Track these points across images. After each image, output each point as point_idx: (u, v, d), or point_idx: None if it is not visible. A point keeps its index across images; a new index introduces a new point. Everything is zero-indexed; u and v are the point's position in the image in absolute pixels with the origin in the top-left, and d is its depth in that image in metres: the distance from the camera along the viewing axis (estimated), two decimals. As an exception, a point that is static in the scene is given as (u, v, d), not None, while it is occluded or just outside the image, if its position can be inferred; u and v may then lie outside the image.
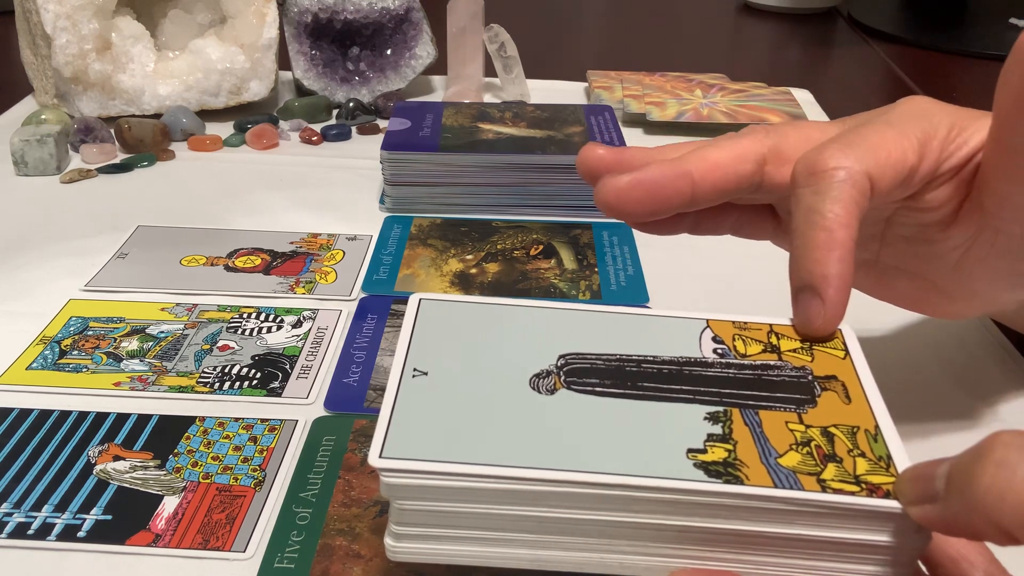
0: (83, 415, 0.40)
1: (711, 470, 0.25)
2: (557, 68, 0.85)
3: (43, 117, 0.66)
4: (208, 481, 0.37)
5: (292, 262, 0.53)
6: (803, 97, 0.77)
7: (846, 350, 0.30)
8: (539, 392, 0.28)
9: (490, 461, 0.25)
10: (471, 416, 0.27)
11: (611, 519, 0.25)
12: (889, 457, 0.26)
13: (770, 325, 0.31)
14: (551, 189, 0.58)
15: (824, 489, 0.25)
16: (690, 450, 0.26)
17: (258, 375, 0.43)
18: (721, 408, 0.28)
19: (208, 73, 0.69)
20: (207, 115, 0.70)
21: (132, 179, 0.63)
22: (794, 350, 0.30)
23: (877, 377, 0.29)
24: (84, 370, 0.43)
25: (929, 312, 0.39)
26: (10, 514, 0.35)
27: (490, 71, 0.77)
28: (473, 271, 0.52)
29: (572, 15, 1.11)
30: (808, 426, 0.27)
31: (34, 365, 0.43)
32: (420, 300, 0.32)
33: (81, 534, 0.34)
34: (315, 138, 0.68)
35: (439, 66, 0.76)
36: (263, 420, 0.40)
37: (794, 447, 0.26)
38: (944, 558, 0.27)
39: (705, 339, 0.30)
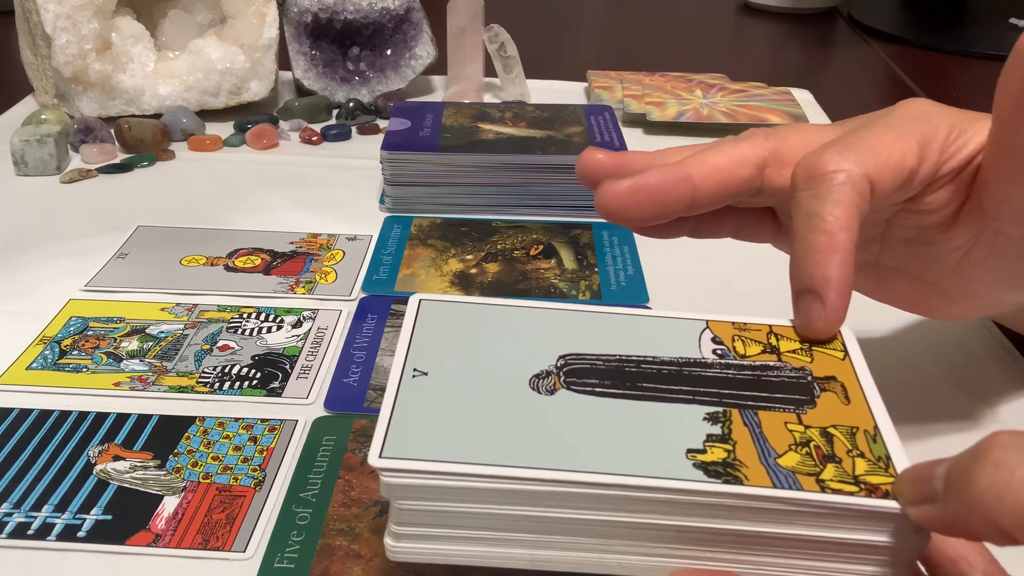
0: (83, 415, 0.40)
1: (710, 470, 0.25)
2: (557, 68, 0.85)
3: (43, 117, 0.67)
4: (208, 481, 0.37)
5: (292, 262, 0.53)
6: (803, 97, 0.77)
7: (845, 351, 0.30)
8: (539, 392, 0.28)
9: (490, 461, 0.25)
10: (471, 416, 0.27)
11: (610, 519, 0.25)
12: (888, 457, 0.26)
13: (769, 326, 0.31)
14: (551, 189, 0.58)
15: (823, 489, 0.25)
16: (689, 450, 0.26)
17: (258, 375, 0.43)
18: (720, 408, 0.28)
19: (208, 73, 0.69)
20: (207, 115, 0.70)
21: (132, 179, 0.63)
22: (793, 351, 0.30)
23: (877, 378, 0.29)
24: (84, 370, 0.43)
25: (929, 314, 0.39)
26: (10, 514, 0.35)
27: (490, 71, 0.77)
28: (473, 271, 0.52)
29: (572, 15, 1.11)
30: (807, 427, 0.27)
31: (34, 365, 0.43)
32: (420, 301, 0.32)
33: (81, 534, 0.34)
34: (315, 138, 0.69)
35: (439, 66, 0.76)
36: (263, 420, 0.40)
37: (793, 447, 0.26)
38: (943, 558, 0.27)
39: (705, 340, 0.31)
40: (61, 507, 0.35)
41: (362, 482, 0.37)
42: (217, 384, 0.42)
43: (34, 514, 0.35)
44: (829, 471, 0.25)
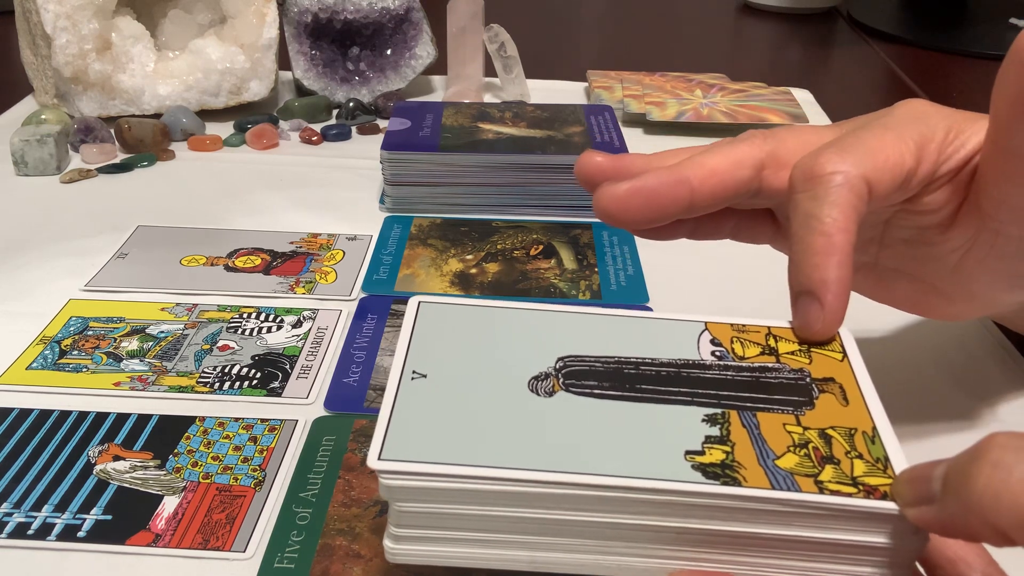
0: (83, 415, 0.40)
1: (709, 472, 0.25)
2: (557, 68, 0.85)
3: (43, 117, 0.67)
4: (208, 481, 0.37)
5: (292, 262, 0.53)
6: (803, 97, 0.77)
7: (844, 352, 0.30)
8: (538, 394, 0.28)
9: (489, 463, 0.25)
10: (470, 418, 0.27)
11: (609, 520, 0.25)
12: (886, 459, 0.26)
13: (768, 327, 0.31)
14: (551, 189, 0.58)
15: (821, 490, 0.25)
16: (688, 452, 0.26)
17: (258, 375, 0.43)
18: (719, 410, 0.28)
19: (208, 73, 0.69)
20: (207, 115, 0.70)
21: (132, 179, 0.63)
22: (792, 352, 0.30)
23: (877, 378, 0.29)
24: (84, 370, 0.43)
25: (929, 314, 0.39)
26: (10, 514, 0.35)
27: (490, 71, 0.77)
28: (473, 271, 0.52)
29: (572, 15, 1.11)
30: (806, 428, 0.27)
31: (34, 365, 0.43)
32: (419, 303, 0.32)
33: (81, 534, 0.34)
34: (315, 138, 0.69)
35: (439, 66, 0.76)
36: (263, 420, 0.40)
37: (792, 449, 0.26)
38: (942, 559, 0.27)
39: (703, 341, 0.31)
40: (61, 507, 0.35)
41: (362, 482, 0.37)
42: (217, 384, 0.42)
43: (34, 514, 0.35)
44: (827, 472, 0.25)
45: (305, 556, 0.33)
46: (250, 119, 0.70)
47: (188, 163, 0.65)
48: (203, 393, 0.42)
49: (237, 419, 0.40)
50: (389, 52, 0.75)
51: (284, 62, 0.73)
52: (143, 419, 0.40)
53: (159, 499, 0.36)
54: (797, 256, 0.30)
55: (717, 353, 0.30)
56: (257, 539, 0.34)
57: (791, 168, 0.32)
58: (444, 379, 0.28)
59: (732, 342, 0.31)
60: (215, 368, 0.43)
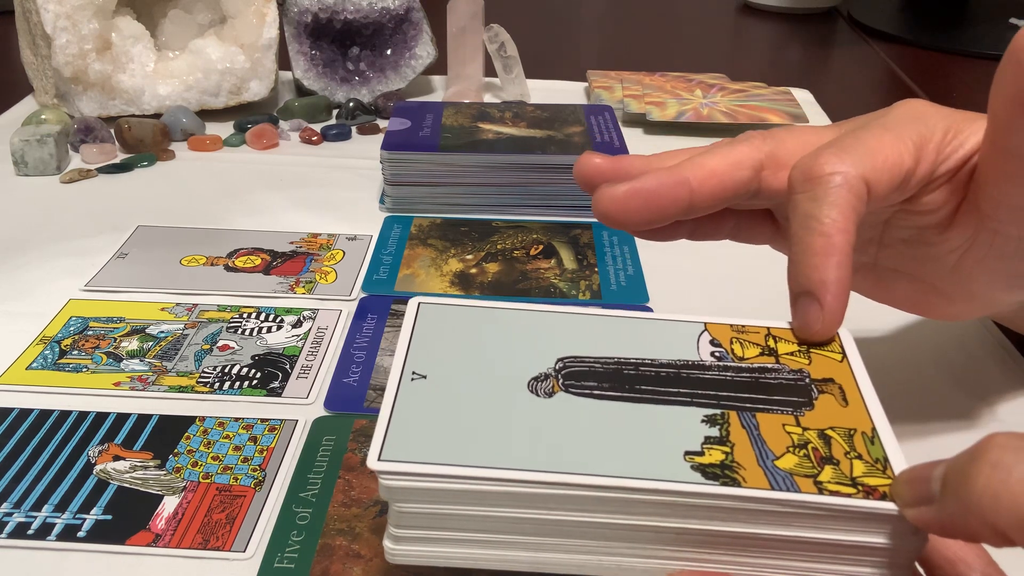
0: (83, 415, 0.40)
1: (708, 472, 0.25)
2: (557, 68, 0.85)
3: (43, 117, 0.67)
4: (208, 481, 0.37)
5: (292, 262, 0.53)
6: (803, 97, 0.77)
7: (843, 353, 0.30)
8: (537, 395, 0.28)
9: (488, 464, 0.25)
10: (470, 419, 0.27)
11: (609, 521, 0.25)
12: (886, 459, 0.26)
13: (767, 328, 0.31)
14: (551, 189, 0.58)
15: (821, 491, 0.25)
16: (687, 452, 0.26)
17: (258, 375, 0.43)
18: (718, 411, 0.28)
19: (208, 73, 0.69)
20: (207, 115, 0.70)
21: (132, 179, 0.63)
22: (791, 353, 0.30)
23: (877, 378, 0.29)
24: (84, 370, 0.43)
25: (928, 314, 0.39)
26: (10, 514, 0.35)
27: (490, 71, 0.77)
28: (473, 271, 0.52)
29: (572, 15, 1.11)
30: (805, 428, 0.27)
31: (34, 365, 0.43)
32: (419, 304, 0.32)
33: (81, 534, 0.34)
34: (315, 138, 0.69)
35: (439, 66, 0.76)
36: (263, 420, 0.40)
37: (791, 449, 0.26)
38: (941, 560, 0.27)
39: (703, 342, 0.31)
40: (61, 507, 0.35)
41: (362, 482, 0.37)
42: (217, 384, 0.42)
43: (34, 514, 0.35)
44: (827, 473, 0.25)
45: (305, 556, 0.33)
46: (250, 119, 0.70)
47: (188, 163, 0.65)
48: (203, 393, 0.42)
49: (237, 419, 0.40)
50: (389, 52, 0.75)
51: (284, 62, 0.73)
52: (143, 419, 0.40)
53: (159, 499, 0.36)
54: (796, 257, 0.30)
55: (717, 354, 0.30)
56: (257, 539, 0.34)
57: (790, 169, 0.32)
58: (444, 380, 0.28)
59: (731, 343, 0.31)
60: (215, 368, 0.43)
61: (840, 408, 0.28)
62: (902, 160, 0.32)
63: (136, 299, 0.49)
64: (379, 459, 0.25)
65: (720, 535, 0.25)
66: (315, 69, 0.74)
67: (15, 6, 0.71)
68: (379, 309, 0.48)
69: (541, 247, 0.54)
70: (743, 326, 0.31)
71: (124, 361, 0.44)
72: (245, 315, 0.48)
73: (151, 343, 0.45)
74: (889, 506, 0.25)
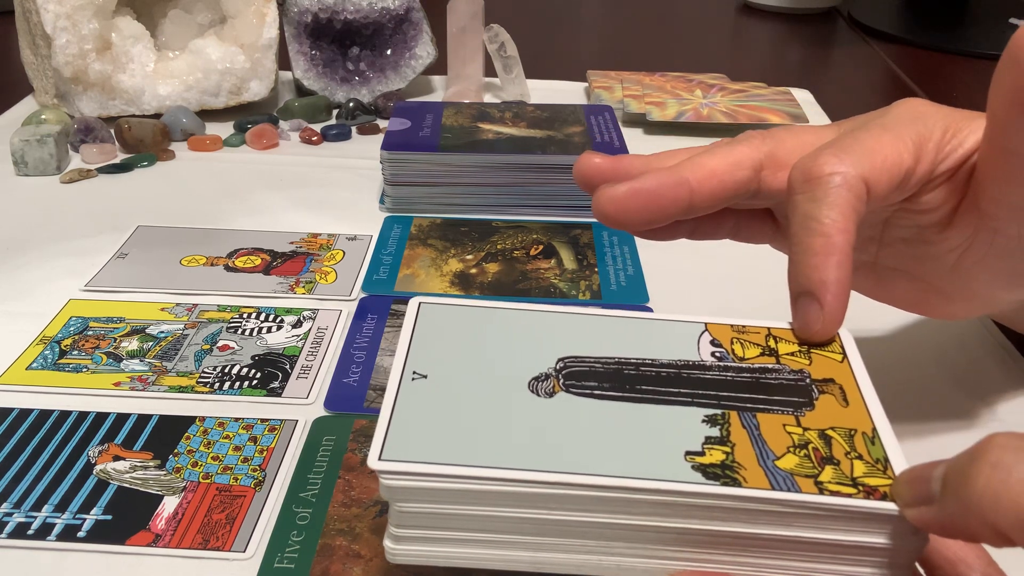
0: (83, 415, 0.40)
1: (709, 472, 0.25)
2: (557, 68, 0.85)
3: (43, 117, 0.67)
4: (208, 481, 0.37)
5: (292, 262, 0.53)
6: (803, 97, 0.77)
7: (844, 353, 0.30)
8: (538, 395, 0.28)
9: (489, 463, 0.25)
10: (470, 419, 0.27)
11: (609, 521, 0.25)
12: (886, 459, 0.26)
13: (768, 328, 0.31)
14: (551, 189, 0.58)
15: (821, 491, 0.25)
16: (688, 453, 0.26)
17: (258, 375, 0.43)
18: (719, 411, 0.28)
19: (208, 73, 0.69)
20: (207, 115, 0.70)
21: (132, 179, 0.63)
22: (792, 353, 0.30)
23: (877, 378, 0.29)
24: (84, 370, 0.43)
25: (929, 313, 0.39)
26: (10, 514, 0.35)
27: (490, 71, 0.77)
28: (473, 271, 0.52)
29: (572, 15, 1.11)
30: (806, 429, 0.27)
31: (34, 365, 0.43)
32: (420, 304, 0.32)
33: (81, 534, 0.34)
34: (315, 138, 0.69)
35: (439, 66, 0.76)
36: (263, 420, 0.40)
37: (791, 449, 0.26)
38: (942, 560, 0.27)
39: (703, 342, 0.31)
40: (61, 507, 0.35)
41: (362, 482, 0.37)
42: (217, 384, 0.42)
43: (34, 514, 0.35)
44: (827, 473, 0.25)
45: (305, 556, 0.33)
46: (250, 119, 0.70)
47: (188, 163, 0.65)
48: (203, 393, 0.42)
49: (237, 419, 0.40)
50: (389, 52, 0.75)
51: (284, 62, 0.73)
52: (143, 419, 0.40)
53: (159, 499, 0.36)
54: (796, 257, 0.30)
55: (717, 354, 0.30)
56: (257, 539, 0.34)
57: (789, 169, 0.32)
58: (444, 380, 0.28)
59: (732, 343, 0.31)
60: (215, 368, 0.43)
61: (840, 408, 0.28)
62: (901, 159, 0.32)
63: (136, 299, 0.49)
64: (380, 459, 0.25)
65: (721, 535, 0.25)
66: (315, 69, 0.74)
67: (15, 6, 0.71)
68: (379, 309, 0.48)
69: (541, 247, 0.54)
70: (743, 326, 0.31)
71: (124, 361, 0.44)
72: (245, 315, 0.48)
73: (151, 343, 0.45)
74: (889, 506, 0.25)
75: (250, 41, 0.70)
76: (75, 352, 0.44)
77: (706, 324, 0.31)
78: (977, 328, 0.47)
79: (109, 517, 0.35)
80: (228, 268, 0.52)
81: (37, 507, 0.35)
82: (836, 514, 0.25)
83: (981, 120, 0.32)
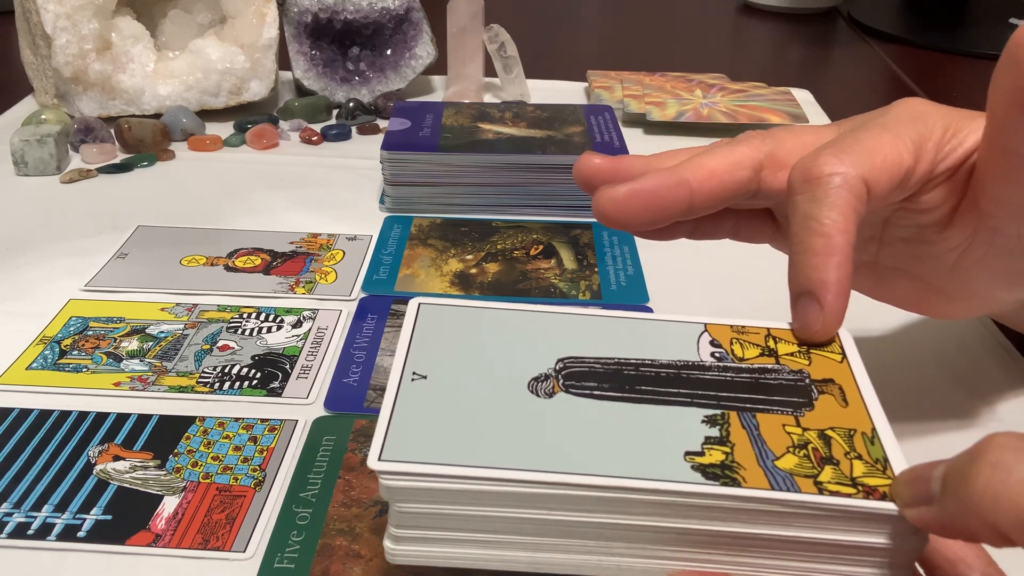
0: (83, 415, 0.40)
1: (708, 472, 0.25)
2: (557, 68, 0.85)
3: (43, 117, 0.67)
4: (208, 481, 0.37)
5: (292, 262, 0.53)
6: (803, 97, 0.77)
7: (843, 353, 0.30)
8: (537, 395, 0.28)
9: (489, 464, 0.25)
10: (470, 419, 0.27)
11: (609, 521, 0.25)
12: (886, 460, 0.26)
13: (768, 329, 0.31)
14: (551, 189, 0.58)
15: (821, 491, 0.25)
16: (688, 453, 0.26)
17: (258, 375, 0.43)
18: (718, 411, 0.28)
19: (208, 73, 0.69)
20: (207, 115, 0.70)
21: (132, 179, 0.63)
22: (791, 354, 0.30)
23: (877, 378, 0.29)
24: (84, 370, 0.43)
25: (928, 312, 0.39)
26: (10, 514, 0.35)
27: (490, 71, 0.77)
28: (473, 271, 0.52)
29: (572, 15, 1.11)
30: (805, 429, 0.27)
31: (34, 365, 0.43)
32: (420, 304, 0.32)
33: (81, 534, 0.34)
34: (315, 138, 0.69)
35: (439, 66, 0.76)
36: (263, 420, 0.40)
37: (791, 450, 0.26)
38: (941, 560, 0.27)
39: (703, 343, 0.31)
40: (61, 507, 0.35)
41: (362, 482, 0.37)
42: (217, 384, 0.42)
43: (34, 514, 0.35)
44: (827, 473, 0.25)
45: (305, 556, 0.33)
46: (250, 119, 0.70)
47: (188, 163, 0.65)
48: (203, 393, 0.42)
49: (237, 419, 0.40)
50: (389, 52, 0.75)
51: (284, 62, 0.73)
52: (143, 419, 0.40)
53: (159, 499, 0.36)
54: (796, 257, 0.30)
55: (717, 354, 0.30)
56: (257, 539, 0.34)
57: (789, 169, 0.32)
58: (444, 380, 0.28)
59: (732, 343, 0.31)
60: (215, 368, 0.43)
61: (840, 408, 0.28)
62: (901, 159, 0.32)
63: (136, 299, 0.49)
64: (379, 459, 0.25)
65: (720, 535, 0.25)
66: (315, 69, 0.74)
67: (15, 6, 0.71)
68: (379, 309, 0.48)
69: (541, 247, 0.54)
70: (743, 327, 0.31)
71: (124, 361, 0.44)
72: (245, 315, 0.48)
73: (151, 343, 0.45)
74: (889, 506, 0.25)
75: (250, 41, 0.70)
76: (75, 352, 0.44)
77: (706, 324, 0.31)
78: (977, 328, 0.47)
79: (109, 517, 0.35)
80: (228, 268, 0.52)
81: (37, 507, 0.35)
82: (836, 514, 0.25)
83: (981, 120, 0.32)
